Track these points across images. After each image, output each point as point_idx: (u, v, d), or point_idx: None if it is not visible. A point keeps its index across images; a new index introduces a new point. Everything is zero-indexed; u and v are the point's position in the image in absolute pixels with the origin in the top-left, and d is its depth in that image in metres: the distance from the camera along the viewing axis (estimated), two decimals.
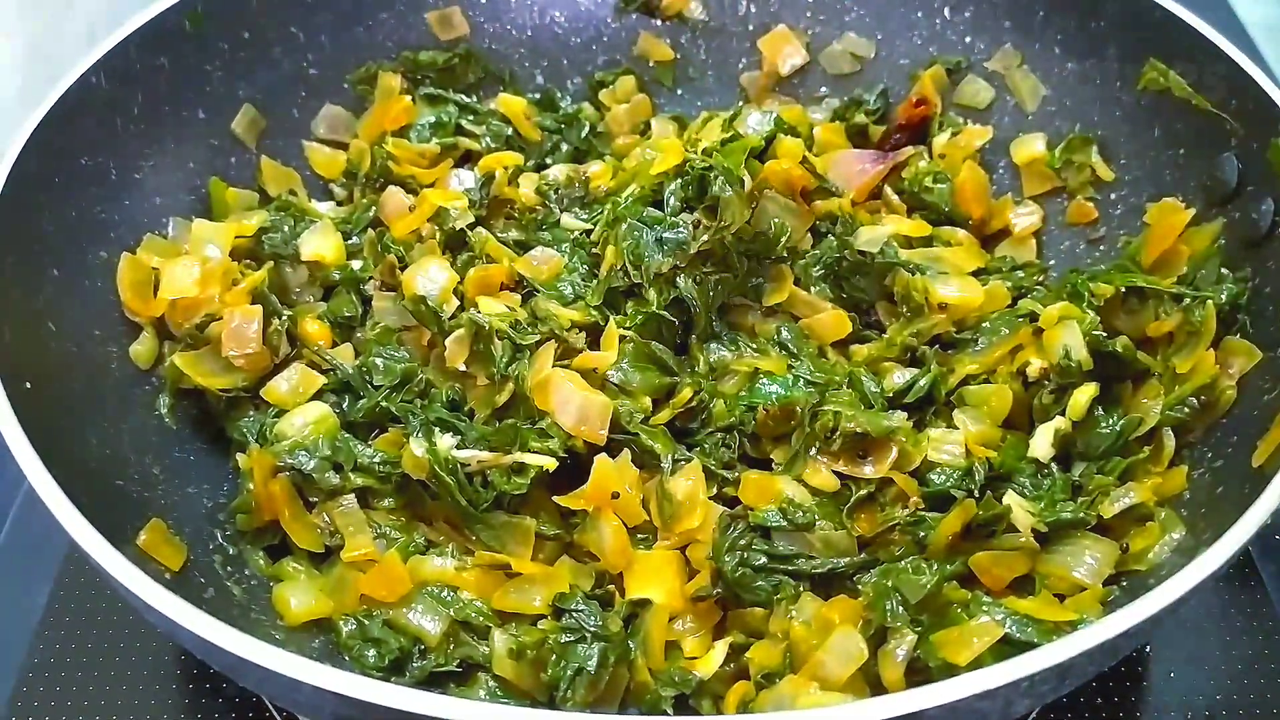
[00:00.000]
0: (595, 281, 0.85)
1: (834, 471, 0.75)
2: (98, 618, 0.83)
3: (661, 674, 0.69)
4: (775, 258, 0.84)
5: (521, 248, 0.89)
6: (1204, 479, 0.71)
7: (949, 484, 0.75)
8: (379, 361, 0.81)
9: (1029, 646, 0.59)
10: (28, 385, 0.66)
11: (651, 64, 1.08)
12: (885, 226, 0.88)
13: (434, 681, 0.70)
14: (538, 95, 1.07)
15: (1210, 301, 0.75)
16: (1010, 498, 0.72)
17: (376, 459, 0.76)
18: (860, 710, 0.49)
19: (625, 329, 0.80)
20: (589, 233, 0.90)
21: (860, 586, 0.70)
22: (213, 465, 0.81)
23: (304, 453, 0.76)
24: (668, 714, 0.67)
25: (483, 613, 0.71)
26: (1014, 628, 0.64)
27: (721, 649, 0.69)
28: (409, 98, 1.01)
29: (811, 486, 0.74)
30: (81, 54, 0.83)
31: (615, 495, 0.73)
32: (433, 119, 1.01)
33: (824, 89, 1.05)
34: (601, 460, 0.73)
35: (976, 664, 0.63)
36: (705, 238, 0.82)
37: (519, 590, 0.71)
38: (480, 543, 0.74)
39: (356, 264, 0.90)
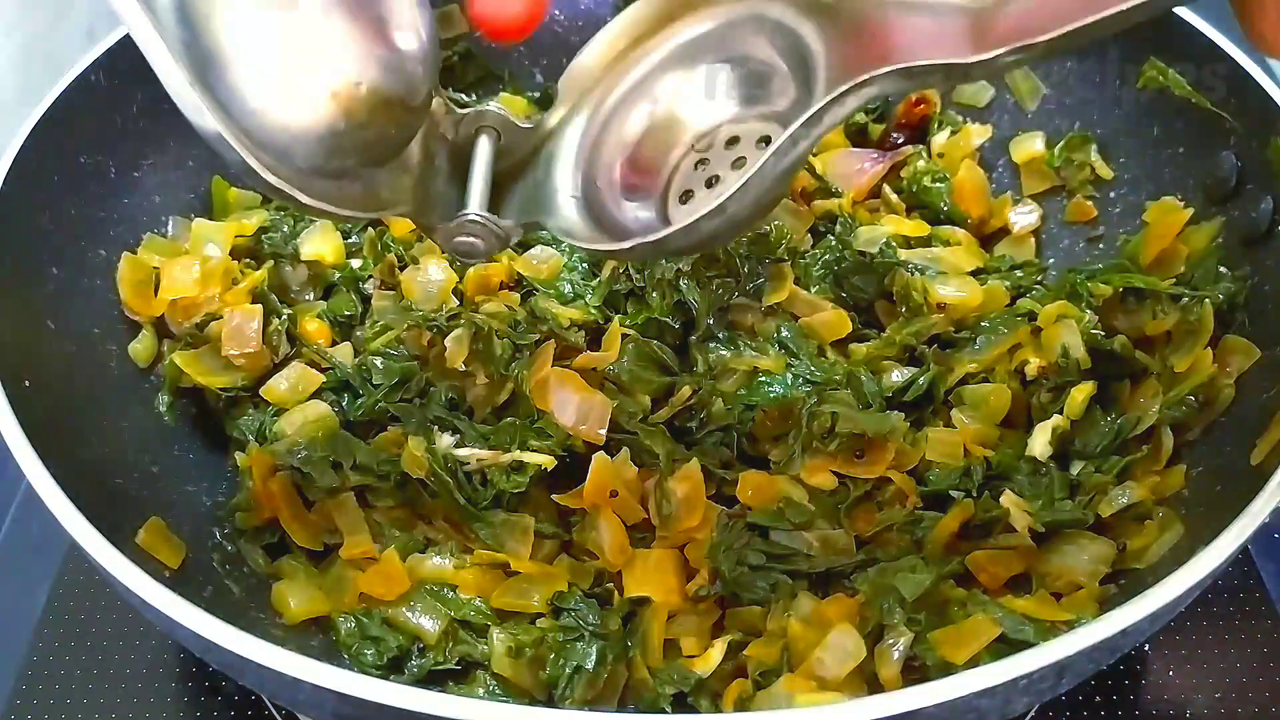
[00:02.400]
0: (596, 281, 0.85)
1: (832, 471, 0.75)
2: (97, 617, 0.83)
3: (660, 672, 0.69)
4: (775, 258, 0.85)
5: (521, 246, 0.89)
6: (1202, 477, 0.71)
7: (947, 483, 0.75)
8: (378, 360, 0.81)
9: (1025, 645, 0.59)
10: (26, 384, 0.66)
11: None
12: (884, 226, 0.89)
13: (433, 680, 0.70)
14: (537, 94, 1.07)
15: (1208, 300, 0.75)
16: (1008, 498, 0.72)
17: (375, 458, 0.76)
18: (858, 708, 0.49)
19: (627, 328, 0.80)
20: None
21: (857, 585, 0.70)
22: (212, 464, 0.81)
23: (303, 451, 0.76)
24: (666, 712, 0.67)
25: (481, 611, 0.71)
26: (1011, 626, 0.64)
27: (720, 647, 0.69)
28: None
29: (809, 486, 0.74)
30: (81, 52, 0.83)
31: (614, 494, 0.73)
32: None
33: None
34: (600, 459, 0.73)
35: (974, 662, 0.63)
36: None
37: (518, 589, 0.72)
38: (479, 541, 0.74)
39: (356, 263, 0.90)
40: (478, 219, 0.60)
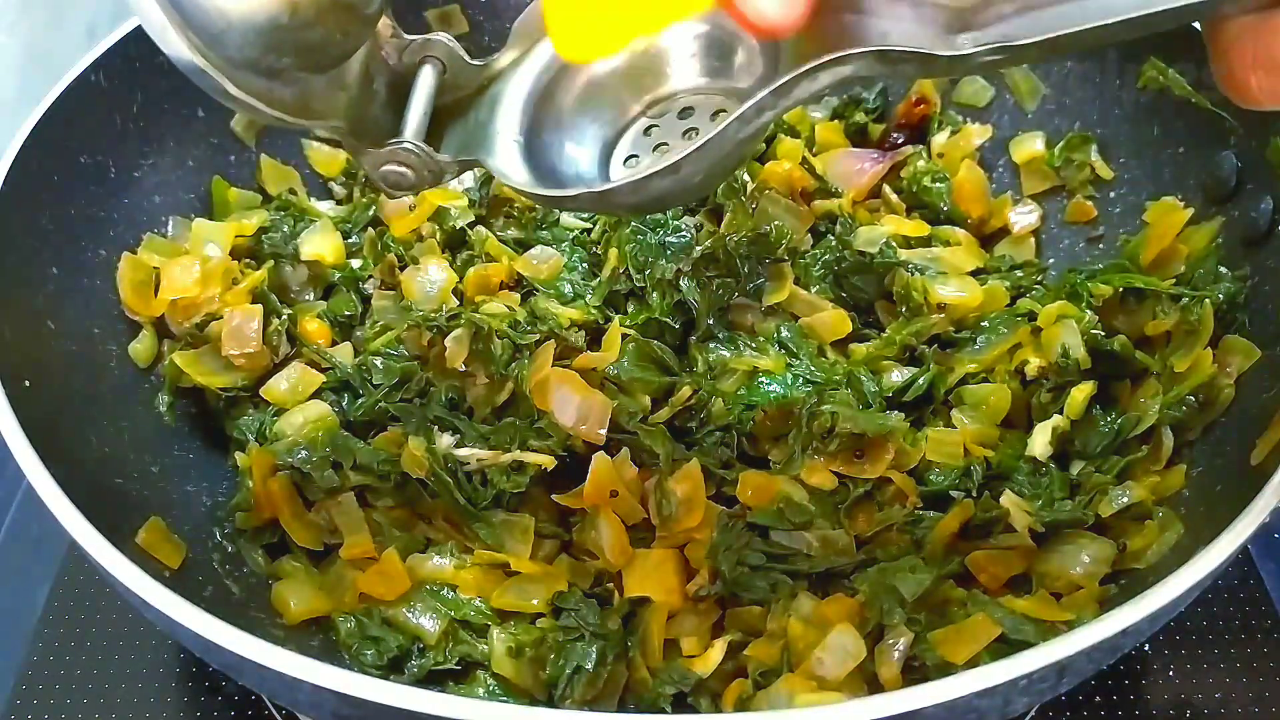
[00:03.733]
0: (596, 281, 0.86)
1: (832, 471, 0.75)
2: (97, 616, 0.83)
3: (660, 672, 0.69)
4: (775, 258, 0.85)
5: (521, 246, 0.90)
6: (1202, 477, 0.71)
7: (947, 483, 0.75)
8: (378, 360, 0.81)
9: (1025, 645, 0.60)
10: (27, 384, 0.66)
11: None
12: (884, 226, 0.89)
13: (433, 680, 0.70)
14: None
15: (1208, 300, 0.75)
16: (1008, 498, 0.72)
17: (375, 458, 0.76)
18: (858, 708, 0.49)
19: (627, 328, 0.80)
20: (589, 231, 0.90)
21: (857, 585, 0.70)
22: (212, 464, 0.81)
23: (303, 451, 0.76)
24: (666, 712, 0.67)
25: (481, 611, 0.71)
26: (1011, 626, 0.64)
27: (720, 647, 0.69)
28: None
29: (809, 486, 0.74)
30: (81, 52, 0.83)
31: (614, 494, 0.73)
32: None
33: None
34: (600, 459, 0.73)
35: (974, 662, 0.63)
36: (708, 242, 0.82)
37: (518, 589, 0.72)
38: (479, 541, 0.74)
39: (356, 263, 0.90)
40: (412, 147, 0.57)
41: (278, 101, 0.52)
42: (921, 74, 0.52)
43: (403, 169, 0.58)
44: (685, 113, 0.60)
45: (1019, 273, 0.90)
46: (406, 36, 0.60)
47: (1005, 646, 0.64)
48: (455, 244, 0.91)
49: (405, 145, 0.57)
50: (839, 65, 0.50)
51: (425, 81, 0.60)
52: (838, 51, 0.49)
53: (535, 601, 0.71)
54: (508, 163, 0.58)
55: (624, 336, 0.79)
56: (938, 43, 0.49)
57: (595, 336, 0.82)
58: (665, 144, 0.59)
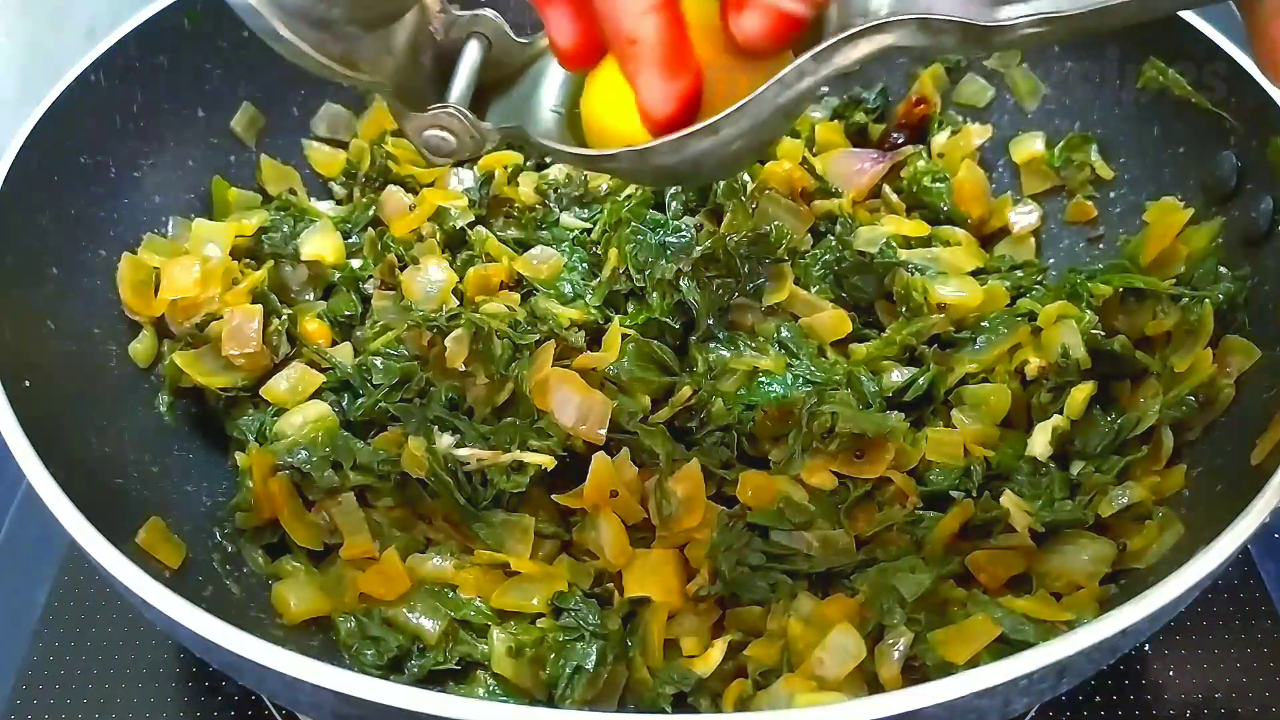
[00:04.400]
0: (596, 281, 0.86)
1: (832, 471, 0.75)
2: (97, 616, 0.83)
3: (660, 672, 0.69)
4: (775, 258, 0.85)
5: (521, 247, 0.90)
6: (1203, 478, 0.71)
7: (947, 483, 0.75)
8: (378, 360, 0.81)
9: (1025, 645, 0.60)
10: (27, 384, 0.66)
11: None
12: (884, 226, 0.89)
13: (433, 680, 0.70)
14: None
15: (1208, 300, 0.75)
16: (1008, 498, 0.72)
17: (375, 458, 0.76)
18: (858, 708, 0.49)
19: (627, 328, 0.80)
20: (589, 231, 0.90)
21: (857, 585, 0.70)
22: (212, 464, 0.81)
23: (303, 451, 0.76)
24: (666, 712, 0.67)
25: (481, 611, 0.71)
26: (1011, 626, 0.64)
27: (720, 647, 0.69)
28: None
29: (809, 486, 0.74)
30: (81, 52, 0.83)
31: (614, 494, 0.73)
32: None
33: (823, 87, 1.05)
34: (600, 459, 0.73)
35: (974, 662, 0.63)
36: (709, 242, 0.82)
37: (518, 589, 0.72)
38: (479, 541, 0.74)
39: (356, 263, 0.90)
40: (455, 112, 0.58)
41: (326, 52, 0.54)
42: (962, 47, 0.52)
43: (445, 134, 0.59)
44: None
45: (1019, 273, 0.90)
46: (455, 12, 0.62)
47: (1005, 646, 0.64)
48: (455, 244, 0.91)
49: (449, 109, 0.58)
50: (880, 33, 0.51)
51: (471, 53, 0.61)
52: (880, 19, 0.50)
53: (535, 601, 0.71)
54: (549, 130, 0.60)
55: (624, 336, 0.79)
56: (981, 13, 0.50)
57: (595, 336, 0.82)
58: None
